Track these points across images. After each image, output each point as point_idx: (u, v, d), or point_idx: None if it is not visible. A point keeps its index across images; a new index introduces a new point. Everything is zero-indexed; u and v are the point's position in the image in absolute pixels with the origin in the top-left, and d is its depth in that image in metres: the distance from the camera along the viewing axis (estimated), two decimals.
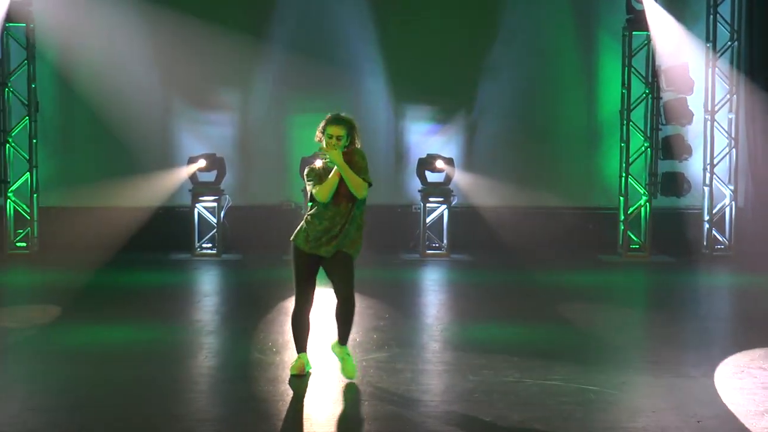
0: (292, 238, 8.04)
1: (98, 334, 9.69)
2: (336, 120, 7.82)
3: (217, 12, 15.86)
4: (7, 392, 7.62)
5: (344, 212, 7.79)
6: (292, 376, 7.99)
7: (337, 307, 7.98)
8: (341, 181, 7.73)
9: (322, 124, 7.87)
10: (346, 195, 7.77)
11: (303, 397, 7.52)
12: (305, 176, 7.92)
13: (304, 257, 7.96)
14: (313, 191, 7.78)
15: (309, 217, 7.89)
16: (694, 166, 16.07)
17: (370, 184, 7.83)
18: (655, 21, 15.38)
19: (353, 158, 7.79)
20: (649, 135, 15.73)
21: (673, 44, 15.52)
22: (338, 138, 7.75)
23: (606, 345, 9.46)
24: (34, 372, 8.41)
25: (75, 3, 15.31)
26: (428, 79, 16.09)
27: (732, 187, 15.89)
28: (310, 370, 8.12)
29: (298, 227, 8.02)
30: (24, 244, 15.29)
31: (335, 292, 7.96)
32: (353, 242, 7.88)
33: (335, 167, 7.72)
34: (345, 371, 7.94)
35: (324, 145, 7.80)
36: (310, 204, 7.96)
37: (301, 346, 8.08)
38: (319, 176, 7.82)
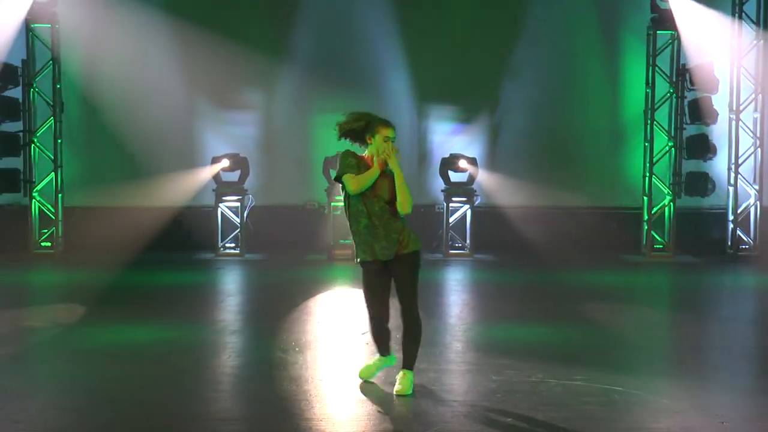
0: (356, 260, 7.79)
1: (122, 334, 9.73)
2: (388, 123, 7.61)
3: (241, 13, 15.92)
4: (32, 391, 7.66)
5: (378, 212, 7.54)
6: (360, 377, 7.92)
7: (403, 329, 7.67)
8: (377, 182, 7.53)
9: (364, 123, 7.56)
10: (378, 195, 7.56)
11: (325, 396, 7.52)
12: (342, 161, 7.56)
13: (366, 267, 7.65)
14: (349, 178, 7.48)
15: (349, 223, 7.65)
16: (718, 166, 15.99)
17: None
18: (681, 20, 15.31)
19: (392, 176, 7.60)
20: (673, 134, 15.66)
21: (699, 43, 15.44)
22: (393, 141, 7.55)
23: (629, 345, 9.42)
24: (59, 371, 8.45)
25: (99, 4, 15.39)
26: (451, 79, 16.09)
27: (757, 187, 15.80)
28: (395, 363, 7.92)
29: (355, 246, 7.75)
30: (49, 244, 15.37)
31: (402, 309, 7.62)
32: (405, 236, 7.57)
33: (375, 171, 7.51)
34: (403, 387, 7.56)
35: (378, 149, 7.50)
36: (343, 204, 7.76)
37: (382, 350, 7.90)
38: (358, 168, 7.54)
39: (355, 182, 7.46)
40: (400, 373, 7.62)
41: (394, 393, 7.49)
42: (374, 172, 7.47)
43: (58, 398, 7.43)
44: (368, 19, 16.05)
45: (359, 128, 7.58)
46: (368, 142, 7.57)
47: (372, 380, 7.88)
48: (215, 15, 15.85)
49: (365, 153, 7.63)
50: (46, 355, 9.13)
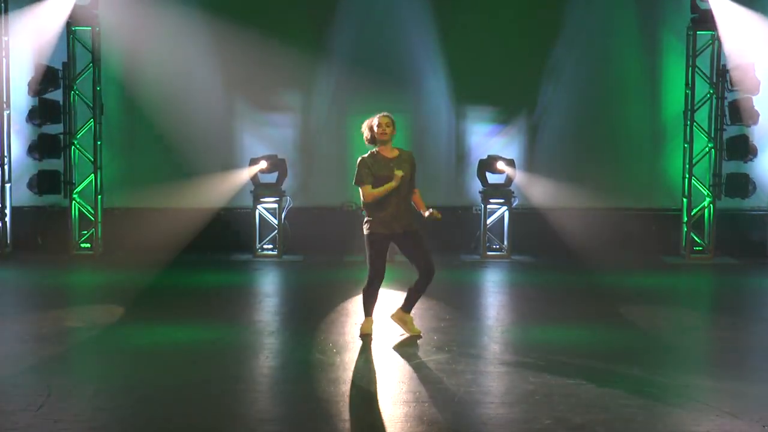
0: (367, 230, 9.28)
1: (161, 334, 9.79)
2: (382, 114, 9.30)
3: (279, 14, 15.96)
4: (72, 391, 7.72)
5: (402, 196, 9.24)
6: (363, 335, 9.34)
7: (420, 277, 9.37)
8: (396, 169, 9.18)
9: (368, 124, 9.36)
10: (400, 190, 9.22)
11: (364, 397, 7.53)
12: (358, 171, 9.26)
13: (381, 239, 9.21)
14: (366, 191, 9.22)
15: (372, 210, 9.25)
16: (759, 167, 15.85)
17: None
18: (722, 20, 15.19)
19: (412, 161, 9.38)
20: (713, 135, 15.53)
21: (739, 43, 15.31)
22: (387, 125, 9.21)
23: (669, 348, 9.36)
24: (98, 371, 8.52)
25: (140, 7, 15.49)
26: (489, 80, 16.04)
27: None
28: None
29: (367, 221, 9.29)
30: (88, 245, 15.49)
31: (420, 264, 9.35)
32: (411, 219, 9.32)
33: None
34: (411, 330, 9.48)
35: (377, 135, 9.23)
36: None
37: (369, 311, 9.45)
38: (371, 171, 9.22)
39: (371, 196, 9.18)
40: (409, 317, 9.56)
41: (412, 333, 9.43)
42: (390, 186, 9.11)
43: (98, 398, 7.48)
44: (406, 19, 16.03)
45: (368, 128, 9.31)
46: (375, 137, 9.27)
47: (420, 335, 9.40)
48: (254, 16, 15.89)
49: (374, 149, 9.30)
50: (86, 356, 9.21)
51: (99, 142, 15.53)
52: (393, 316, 9.62)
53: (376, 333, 9.59)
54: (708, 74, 15.47)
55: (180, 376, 8.17)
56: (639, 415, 7.04)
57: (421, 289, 9.47)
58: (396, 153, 9.30)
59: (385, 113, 9.30)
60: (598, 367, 8.36)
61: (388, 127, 9.21)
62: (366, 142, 9.38)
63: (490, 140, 16.08)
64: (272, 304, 12.39)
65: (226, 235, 15.73)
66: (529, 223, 15.61)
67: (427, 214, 9.22)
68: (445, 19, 16.01)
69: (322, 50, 16.01)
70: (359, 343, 9.35)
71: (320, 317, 10.53)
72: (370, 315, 9.49)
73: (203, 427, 6.83)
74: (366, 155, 9.34)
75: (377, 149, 9.32)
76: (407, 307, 9.58)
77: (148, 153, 16.00)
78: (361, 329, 9.47)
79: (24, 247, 15.62)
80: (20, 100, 15.62)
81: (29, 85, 15.25)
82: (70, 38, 15.31)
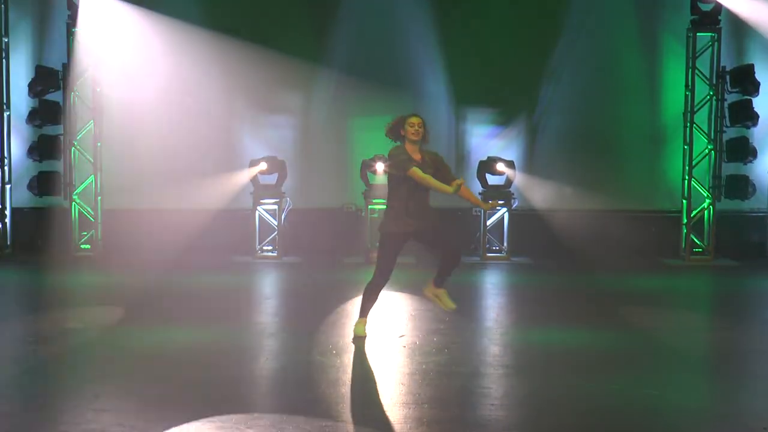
0: (380, 228, 9.33)
1: (160, 336, 9.79)
2: (413, 114, 9.29)
3: (280, 16, 15.97)
4: (72, 393, 7.72)
5: (423, 195, 9.25)
6: (357, 338, 9.31)
7: (445, 259, 9.39)
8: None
9: (396, 121, 9.27)
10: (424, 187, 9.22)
11: (363, 399, 7.53)
12: (398, 156, 9.11)
13: (393, 240, 9.21)
14: (418, 171, 9.03)
15: (394, 206, 9.23)
16: (759, 169, 15.86)
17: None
18: (721, 21, 15.20)
19: (442, 160, 9.46)
20: (713, 137, 15.54)
21: (739, 45, 15.34)
22: (420, 125, 9.16)
23: (669, 349, 9.36)
24: (98, 373, 8.51)
25: (140, 8, 15.50)
26: (489, 82, 16.05)
27: None
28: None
29: (385, 218, 9.32)
30: (88, 246, 15.50)
31: (444, 249, 9.37)
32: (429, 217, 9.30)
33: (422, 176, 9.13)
34: (446, 305, 9.50)
35: (408, 134, 9.15)
36: (392, 187, 9.27)
37: (365, 311, 9.41)
38: (409, 159, 9.09)
39: (424, 180, 9.08)
40: (442, 291, 9.50)
41: (448, 309, 9.55)
42: (445, 188, 9.12)
43: (98, 400, 7.48)
44: (406, 21, 16.04)
45: (394, 126, 9.23)
46: (402, 134, 9.18)
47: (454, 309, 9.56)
48: (254, 18, 15.92)
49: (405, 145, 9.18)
50: (86, 357, 9.20)
51: (99, 144, 15.53)
52: (426, 291, 9.62)
53: (376, 335, 9.60)
54: (708, 76, 15.48)
55: (179, 377, 8.17)
56: (639, 416, 7.04)
57: (448, 269, 9.42)
58: (419, 156, 9.21)
59: (418, 114, 9.27)
60: (598, 369, 8.36)
61: (421, 127, 9.16)
62: (387, 133, 9.26)
63: (489, 142, 16.10)
64: (272, 305, 12.39)
65: (226, 237, 15.72)
66: (529, 225, 15.62)
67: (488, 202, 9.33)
68: (445, 21, 16.02)
69: (322, 52, 16.02)
70: (359, 344, 9.35)
71: (320, 319, 10.53)
72: (365, 316, 9.46)
73: (203, 429, 6.82)
74: (396, 147, 9.23)
75: (404, 146, 9.22)
76: (439, 282, 9.51)
77: (147, 154, 15.99)
78: (355, 330, 9.46)
79: (24, 248, 15.63)
80: (20, 101, 15.64)
81: (29, 86, 15.28)
82: (70, 39, 15.30)
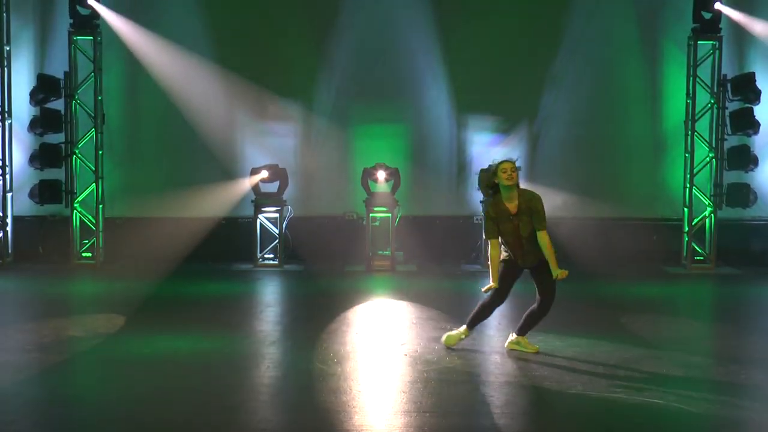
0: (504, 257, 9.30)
1: (162, 344, 9.78)
2: (505, 159, 9.27)
3: (281, 24, 15.99)
4: (73, 401, 7.72)
5: (527, 238, 9.13)
6: (448, 346, 9.37)
7: (539, 307, 9.32)
8: (518, 223, 9.10)
9: (490, 173, 9.25)
10: (520, 234, 9.12)
11: (365, 407, 7.53)
12: (486, 222, 9.23)
13: (511, 264, 9.24)
14: (490, 240, 9.21)
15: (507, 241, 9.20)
16: (760, 177, 15.86)
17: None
18: (722, 30, 15.22)
19: (536, 204, 9.14)
20: (714, 145, 15.54)
21: (740, 53, 15.36)
22: (513, 170, 9.09)
23: (670, 358, 9.34)
24: (100, 381, 8.51)
25: (140, 17, 15.53)
26: (490, 90, 16.06)
27: None
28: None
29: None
30: (89, 254, 15.49)
31: (541, 293, 9.33)
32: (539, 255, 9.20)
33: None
34: (530, 348, 9.36)
35: (501, 180, 9.09)
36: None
37: (472, 325, 9.48)
38: (495, 221, 9.10)
39: (489, 258, 9.26)
40: (524, 339, 9.41)
41: (531, 351, 9.29)
42: (493, 281, 9.17)
43: (99, 408, 7.47)
44: (407, 29, 16.05)
45: (486, 179, 9.43)
46: (495, 182, 9.12)
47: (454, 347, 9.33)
48: (255, 26, 15.95)
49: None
50: (88, 365, 9.20)
51: (100, 152, 15.54)
52: (509, 345, 9.52)
53: (377, 342, 9.59)
54: (709, 84, 15.49)
55: (181, 385, 8.17)
56: (641, 425, 7.03)
57: (538, 317, 9.40)
58: (516, 203, 9.12)
59: (509, 159, 9.24)
60: (600, 377, 8.35)
61: (513, 171, 9.08)
62: (482, 189, 9.52)
63: (491, 149, 16.09)
64: (273, 313, 12.38)
65: (227, 245, 15.73)
66: None
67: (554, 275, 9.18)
68: (446, 29, 16.03)
69: (323, 60, 16.03)
70: (360, 352, 9.35)
71: (321, 327, 10.52)
72: (469, 328, 9.48)
73: None
74: (490, 206, 9.24)
75: (499, 197, 9.16)
76: (522, 330, 9.48)
77: (149, 162, 16.03)
78: (447, 339, 9.49)
79: (25, 257, 15.63)
80: (22, 109, 15.66)
81: (31, 94, 15.30)
82: (72, 47, 15.32)
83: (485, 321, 9.63)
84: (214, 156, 15.92)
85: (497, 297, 9.31)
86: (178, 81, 15.72)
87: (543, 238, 9.08)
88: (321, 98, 16.21)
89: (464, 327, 9.47)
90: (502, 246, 9.23)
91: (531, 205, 9.09)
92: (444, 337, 9.52)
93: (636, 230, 15.90)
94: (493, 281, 9.15)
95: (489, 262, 9.25)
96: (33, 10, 16.01)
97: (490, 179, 9.22)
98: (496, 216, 9.13)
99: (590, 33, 16.12)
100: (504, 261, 9.24)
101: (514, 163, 9.17)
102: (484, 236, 9.30)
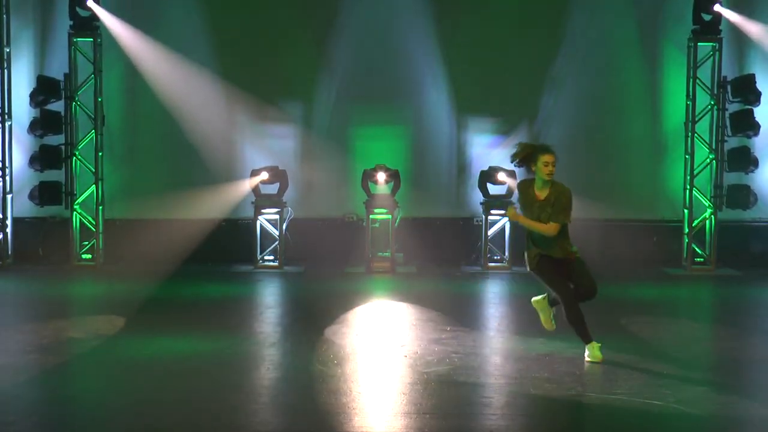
0: (527, 259, 9.17)
1: (162, 346, 9.78)
2: (547, 149, 9.03)
3: (281, 26, 15.99)
4: (72, 403, 7.71)
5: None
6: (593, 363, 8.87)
7: (578, 291, 8.99)
8: (541, 213, 8.93)
9: (530, 151, 8.98)
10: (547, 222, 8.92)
11: (364, 409, 7.52)
12: (519, 197, 9.12)
13: (543, 261, 9.00)
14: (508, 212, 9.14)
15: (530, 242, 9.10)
16: (760, 178, 15.85)
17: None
18: (722, 31, 15.23)
19: (561, 198, 8.96)
20: (714, 147, 15.53)
21: (740, 54, 15.37)
22: (553, 164, 8.92)
23: (670, 359, 9.34)
24: (99, 382, 8.51)
25: (140, 18, 15.54)
26: (490, 92, 16.06)
27: None
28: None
29: (527, 251, 9.16)
30: (89, 256, 15.48)
31: (577, 285, 9.01)
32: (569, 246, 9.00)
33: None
34: (547, 323, 9.39)
35: (540, 172, 8.94)
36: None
37: (587, 335, 9.01)
38: (523, 202, 9.07)
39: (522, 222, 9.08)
40: (550, 311, 9.33)
41: (546, 327, 9.42)
42: (533, 225, 8.95)
43: (99, 409, 7.47)
44: (407, 30, 16.05)
45: (527, 156, 8.93)
46: (532, 169, 8.93)
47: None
48: (255, 27, 15.95)
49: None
50: (88, 367, 9.20)
51: (100, 153, 15.54)
52: (535, 302, 9.50)
53: (377, 343, 9.59)
54: (709, 85, 15.48)
55: (181, 387, 8.16)
56: (640, 426, 7.02)
57: (577, 298, 9.06)
58: (546, 194, 9.01)
59: (552, 150, 9.00)
60: (600, 379, 8.35)
61: (554, 166, 8.94)
62: (513, 160, 9.05)
63: (491, 151, 16.08)
64: (273, 315, 12.38)
65: (227, 246, 15.71)
66: None
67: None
68: (446, 30, 16.02)
69: (323, 62, 16.03)
70: (360, 354, 9.35)
71: (321, 328, 10.52)
72: (591, 339, 9.02)
73: None
74: (524, 183, 9.18)
75: (533, 182, 9.07)
76: (553, 302, 9.31)
77: (149, 164, 16.02)
78: (592, 356, 8.96)
79: (25, 258, 15.61)
80: (22, 111, 15.65)
81: (31, 96, 15.30)
82: (72, 49, 15.32)
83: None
84: (214, 157, 15.91)
85: (565, 290, 8.97)
86: (177, 83, 15.72)
87: (552, 225, 8.88)
88: (321, 100, 16.20)
89: (586, 345, 9.03)
90: (530, 240, 9.07)
91: (560, 197, 8.91)
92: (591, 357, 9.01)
93: (636, 232, 15.89)
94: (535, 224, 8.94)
95: (523, 221, 9.05)
96: (33, 12, 15.99)
97: (527, 162, 8.97)
98: (523, 202, 9.04)
99: (590, 35, 16.10)
100: (539, 256, 9.03)
101: (555, 155, 8.93)
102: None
